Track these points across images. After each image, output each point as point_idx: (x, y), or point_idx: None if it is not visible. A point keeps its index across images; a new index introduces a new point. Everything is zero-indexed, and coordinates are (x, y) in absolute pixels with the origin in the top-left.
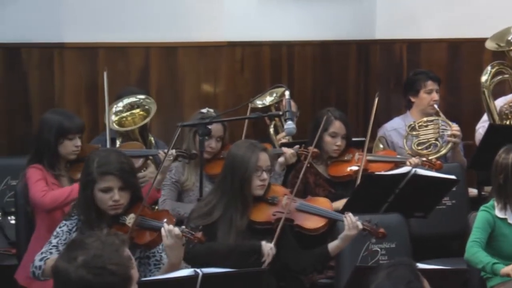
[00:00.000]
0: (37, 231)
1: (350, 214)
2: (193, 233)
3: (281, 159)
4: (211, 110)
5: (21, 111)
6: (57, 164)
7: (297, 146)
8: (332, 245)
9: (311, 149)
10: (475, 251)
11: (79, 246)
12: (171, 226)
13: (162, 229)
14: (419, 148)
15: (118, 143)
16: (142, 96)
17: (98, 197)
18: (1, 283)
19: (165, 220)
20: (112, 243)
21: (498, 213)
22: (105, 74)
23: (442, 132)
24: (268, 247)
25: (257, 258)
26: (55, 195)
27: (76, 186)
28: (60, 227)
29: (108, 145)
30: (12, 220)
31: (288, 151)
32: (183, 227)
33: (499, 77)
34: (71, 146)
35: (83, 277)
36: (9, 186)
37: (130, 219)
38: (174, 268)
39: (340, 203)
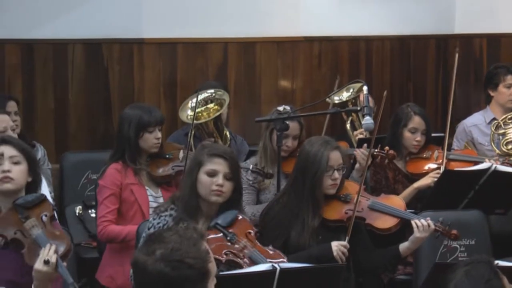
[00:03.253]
0: None
1: (419, 219)
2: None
3: (357, 166)
4: (288, 108)
5: (101, 106)
6: (138, 158)
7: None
8: (403, 246)
9: (387, 149)
10: None
11: (158, 240)
12: None
13: None
14: (509, 148)
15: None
16: (212, 90)
17: (203, 180)
18: (83, 275)
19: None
20: (190, 237)
21: None
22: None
23: None
24: (335, 246)
25: (332, 258)
26: (112, 235)
27: (133, 229)
28: (148, 229)
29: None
30: (92, 213)
31: (359, 152)
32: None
33: None
34: (152, 139)
35: (161, 270)
36: (90, 180)
37: None
38: None
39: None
